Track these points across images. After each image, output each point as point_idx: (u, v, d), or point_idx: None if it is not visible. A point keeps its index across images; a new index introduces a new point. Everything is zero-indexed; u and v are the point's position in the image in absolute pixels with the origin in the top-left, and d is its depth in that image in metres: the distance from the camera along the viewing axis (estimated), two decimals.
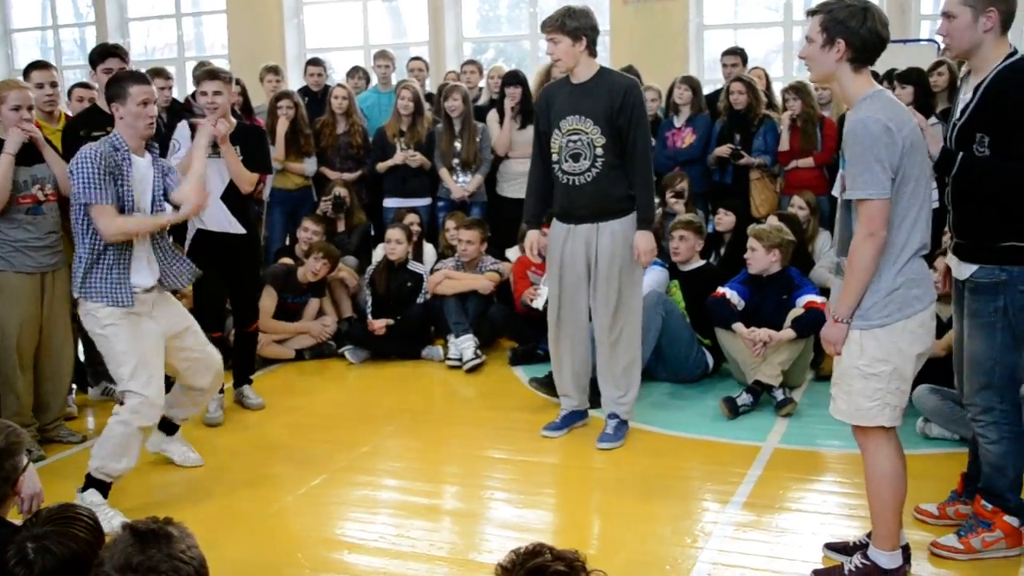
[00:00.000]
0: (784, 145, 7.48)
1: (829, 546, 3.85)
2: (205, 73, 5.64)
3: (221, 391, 5.60)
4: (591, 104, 4.95)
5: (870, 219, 3.22)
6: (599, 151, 4.93)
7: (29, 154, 5.06)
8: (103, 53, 5.48)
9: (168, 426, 4.97)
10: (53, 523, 2.41)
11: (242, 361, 6.02)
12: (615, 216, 5.02)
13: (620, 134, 4.94)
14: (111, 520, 4.04)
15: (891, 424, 3.42)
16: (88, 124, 5.38)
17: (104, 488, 4.34)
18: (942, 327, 4.98)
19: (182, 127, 5.63)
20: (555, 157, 5.05)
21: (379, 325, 6.89)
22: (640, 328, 5.25)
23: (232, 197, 5.59)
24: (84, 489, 4.32)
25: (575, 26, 4.87)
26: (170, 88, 7.56)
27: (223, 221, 5.59)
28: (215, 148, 5.42)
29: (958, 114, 3.65)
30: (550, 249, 5.23)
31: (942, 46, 3.75)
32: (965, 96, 3.63)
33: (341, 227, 7.74)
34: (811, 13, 3.38)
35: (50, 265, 5.16)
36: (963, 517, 3.91)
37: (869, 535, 3.72)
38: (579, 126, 4.95)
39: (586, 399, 5.44)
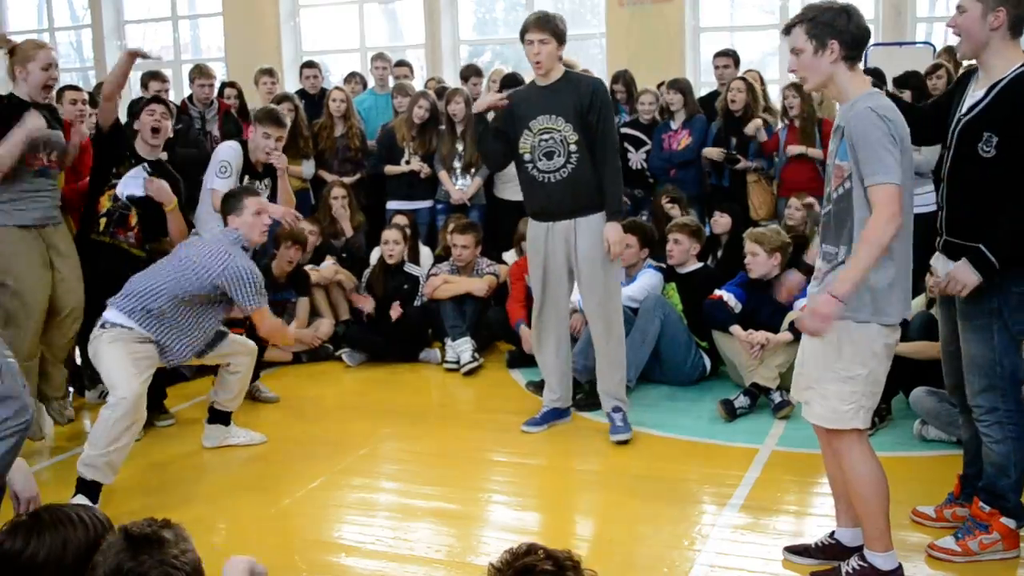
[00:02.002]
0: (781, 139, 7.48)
1: (790, 549, 3.86)
2: (272, 120, 5.79)
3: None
4: (561, 103, 5.06)
5: (889, 202, 3.21)
6: (572, 147, 5.05)
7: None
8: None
9: (222, 417, 5.29)
10: (44, 516, 2.42)
11: None
12: (592, 211, 5.13)
13: (590, 131, 5.05)
14: None
15: (864, 426, 3.45)
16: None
17: (93, 493, 4.38)
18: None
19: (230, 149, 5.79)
20: (527, 157, 5.17)
21: (394, 311, 6.92)
22: (623, 319, 5.35)
23: None
24: (74, 496, 4.37)
25: (562, 30, 5.02)
26: (167, 91, 7.59)
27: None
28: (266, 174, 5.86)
29: (965, 110, 3.63)
30: (530, 249, 5.36)
31: (937, 49, 3.75)
32: (976, 93, 3.62)
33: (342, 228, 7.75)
34: (791, 27, 3.42)
35: (50, 218, 5.28)
36: (960, 519, 3.92)
37: (832, 535, 3.77)
38: (551, 125, 5.07)
39: (570, 396, 5.53)
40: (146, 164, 5.54)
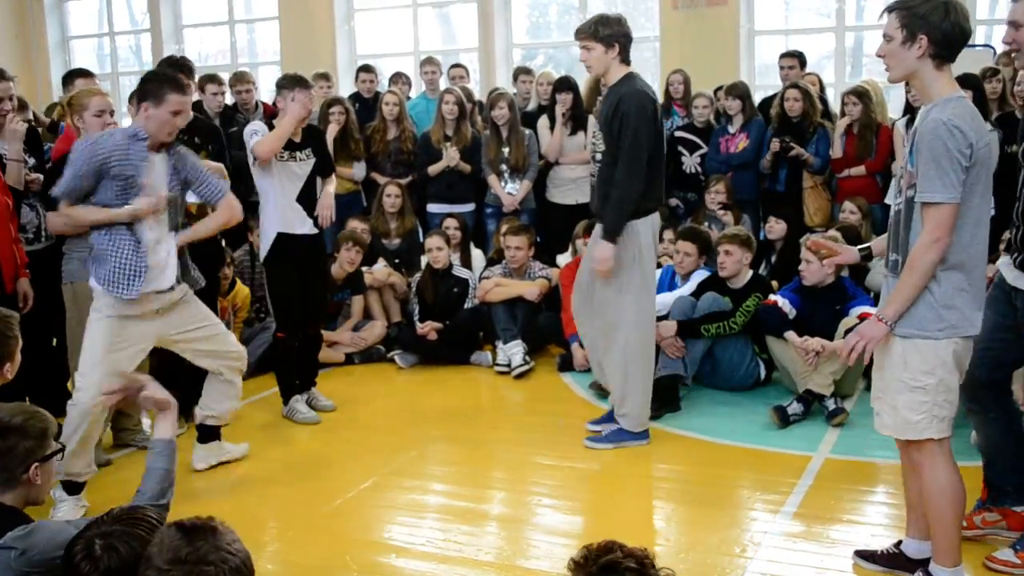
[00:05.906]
0: (838, 152, 7.39)
1: (859, 554, 3.83)
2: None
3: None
4: (602, 110, 4.99)
5: (938, 224, 3.14)
6: (599, 156, 5.05)
7: None
8: (174, 68, 5.37)
9: (205, 434, 5.05)
10: (122, 523, 2.48)
11: (305, 364, 6.04)
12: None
13: (614, 142, 4.89)
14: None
15: (940, 436, 3.36)
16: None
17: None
18: None
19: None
20: None
21: (429, 328, 6.92)
22: (638, 339, 5.05)
23: (305, 199, 5.63)
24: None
25: (608, 33, 4.85)
26: (223, 94, 7.70)
27: (297, 223, 5.62)
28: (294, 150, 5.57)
29: None
30: None
31: (997, 52, 3.68)
32: None
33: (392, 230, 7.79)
34: (888, 11, 3.26)
35: None
36: (990, 524, 3.87)
37: (897, 544, 3.72)
38: (595, 130, 5.05)
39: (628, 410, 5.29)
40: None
